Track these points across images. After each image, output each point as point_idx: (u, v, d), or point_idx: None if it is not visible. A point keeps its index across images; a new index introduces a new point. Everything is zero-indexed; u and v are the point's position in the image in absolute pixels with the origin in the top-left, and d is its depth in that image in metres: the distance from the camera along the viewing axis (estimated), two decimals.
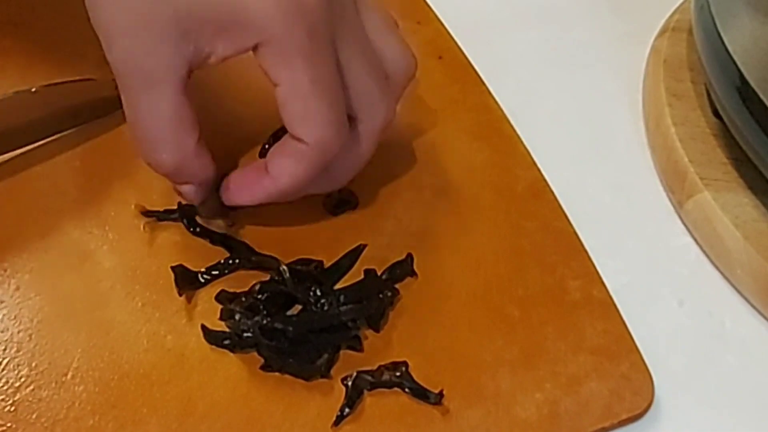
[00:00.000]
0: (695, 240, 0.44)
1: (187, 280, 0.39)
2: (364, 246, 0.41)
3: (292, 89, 0.36)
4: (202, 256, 0.41)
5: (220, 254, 0.41)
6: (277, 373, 0.37)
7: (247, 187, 0.39)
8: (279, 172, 0.38)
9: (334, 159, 0.38)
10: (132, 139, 0.37)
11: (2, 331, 0.38)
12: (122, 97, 0.37)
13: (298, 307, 0.39)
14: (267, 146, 0.44)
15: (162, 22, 0.34)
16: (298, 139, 0.36)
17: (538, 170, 0.45)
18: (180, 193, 0.41)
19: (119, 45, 0.35)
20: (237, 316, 0.38)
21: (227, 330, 0.38)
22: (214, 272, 0.40)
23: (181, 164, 0.37)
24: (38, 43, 0.48)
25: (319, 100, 0.36)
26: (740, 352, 0.41)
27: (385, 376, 0.37)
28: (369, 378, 0.37)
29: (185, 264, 0.40)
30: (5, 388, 0.36)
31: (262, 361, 0.37)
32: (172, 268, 0.39)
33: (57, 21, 0.49)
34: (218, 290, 0.39)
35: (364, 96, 0.38)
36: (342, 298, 0.38)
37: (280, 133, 0.41)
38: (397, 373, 0.37)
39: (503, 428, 0.36)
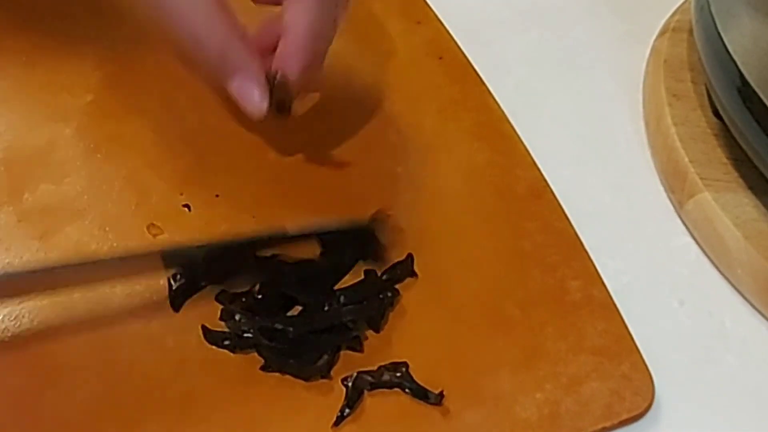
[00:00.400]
0: (695, 240, 0.44)
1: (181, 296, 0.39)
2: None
3: None
4: None
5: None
6: (277, 374, 0.37)
7: (286, 56, 0.40)
8: (294, 19, 0.39)
9: None
10: (176, 50, 0.40)
11: (2, 331, 0.38)
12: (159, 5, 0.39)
13: (299, 307, 0.39)
14: None
15: None
16: None
17: (539, 170, 0.45)
18: (244, 106, 0.40)
19: None
20: (237, 317, 0.38)
21: (227, 330, 0.38)
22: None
23: (228, 44, 0.39)
24: (38, 43, 0.48)
25: None
26: (740, 352, 0.41)
27: (386, 377, 0.37)
28: (369, 378, 0.37)
29: None
30: (6, 388, 0.36)
31: (263, 361, 0.37)
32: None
33: (57, 21, 0.49)
34: (218, 290, 0.39)
35: None
36: (342, 298, 0.38)
37: None
38: (398, 374, 0.37)
39: (504, 428, 0.36)
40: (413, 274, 0.41)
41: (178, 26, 0.39)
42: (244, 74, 0.39)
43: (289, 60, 0.40)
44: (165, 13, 0.39)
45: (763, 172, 0.41)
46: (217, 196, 0.43)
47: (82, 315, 0.39)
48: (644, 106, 0.49)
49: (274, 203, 0.43)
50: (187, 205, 0.42)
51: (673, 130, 0.45)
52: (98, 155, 0.44)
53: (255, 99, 0.40)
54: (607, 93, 0.50)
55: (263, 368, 0.37)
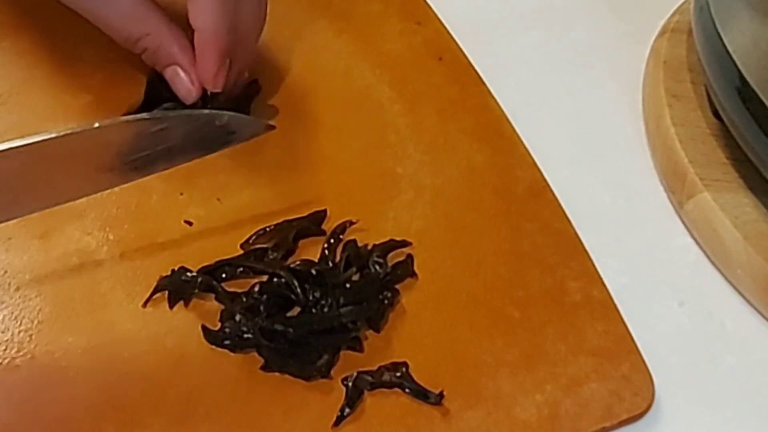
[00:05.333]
0: (695, 240, 0.44)
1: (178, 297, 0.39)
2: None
3: None
4: (202, 255, 0.41)
5: (220, 255, 0.41)
6: (277, 374, 0.37)
7: (201, 72, 0.43)
8: (199, 13, 0.41)
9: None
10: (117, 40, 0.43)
11: (2, 332, 0.38)
12: (85, 14, 0.43)
13: (299, 308, 0.39)
14: None
15: None
16: None
17: (539, 171, 0.45)
18: (177, 92, 0.43)
19: None
20: (237, 317, 0.38)
21: (227, 330, 0.38)
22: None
23: (160, 42, 0.43)
24: (38, 44, 0.48)
25: None
26: (740, 352, 0.41)
27: (386, 377, 0.37)
28: (369, 378, 0.37)
29: (186, 265, 0.40)
30: (6, 388, 0.36)
31: (263, 361, 0.37)
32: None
33: (57, 22, 0.49)
34: (218, 290, 0.39)
35: None
36: (342, 299, 0.38)
37: None
38: (398, 374, 0.37)
39: (503, 429, 0.36)
40: (413, 274, 0.41)
41: (111, 30, 0.43)
42: (175, 67, 0.43)
43: (205, 74, 0.43)
44: (97, 18, 0.43)
45: (763, 172, 0.41)
46: (218, 199, 0.43)
47: (82, 315, 0.39)
48: (644, 107, 0.49)
49: (273, 203, 0.43)
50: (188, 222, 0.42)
51: (672, 130, 0.45)
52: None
53: (185, 89, 0.43)
54: (607, 93, 0.50)
55: (263, 368, 0.37)
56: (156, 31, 0.43)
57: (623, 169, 0.47)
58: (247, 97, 0.46)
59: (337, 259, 0.41)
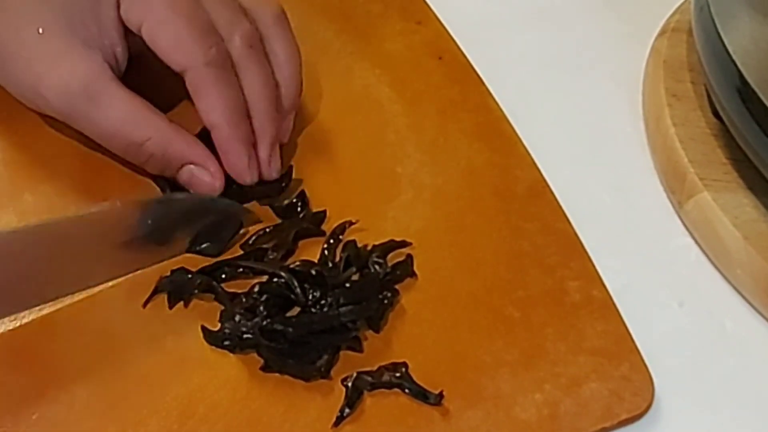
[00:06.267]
0: (695, 240, 0.44)
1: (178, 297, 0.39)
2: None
3: (154, 20, 0.39)
4: (201, 256, 0.41)
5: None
6: (277, 374, 0.37)
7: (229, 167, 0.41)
8: (210, 110, 0.40)
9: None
10: (117, 150, 0.41)
11: (2, 331, 0.38)
12: (78, 125, 0.40)
13: (298, 308, 0.39)
14: None
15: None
16: (186, 71, 0.40)
17: (538, 171, 0.45)
18: (199, 191, 0.41)
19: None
20: (237, 317, 0.38)
21: (227, 330, 0.38)
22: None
23: (167, 142, 0.40)
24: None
25: (180, 21, 0.39)
26: (740, 352, 0.41)
27: (385, 377, 0.37)
28: (369, 379, 0.37)
29: (185, 265, 0.40)
30: (6, 389, 0.36)
31: (262, 362, 0.37)
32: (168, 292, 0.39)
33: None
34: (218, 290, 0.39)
35: (221, 18, 0.41)
36: (341, 299, 0.38)
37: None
38: (397, 374, 0.37)
39: (503, 429, 0.36)
40: (413, 274, 0.41)
41: (109, 139, 0.41)
42: (189, 167, 0.41)
43: (236, 169, 0.41)
44: (93, 128, 0.40)
45: (763, 172, 0.41)
46: None
47: (82, 315, 0.39)
48: (644, 107, 0.49)
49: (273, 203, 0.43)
50: None
51: (672, 130, 0.45)
52: (99, 156, 0.43)
53: (207, 186, 0.41)
54: (607, 93, 0.50)
55: (263, 368, 0.37)
56: (160, 132, 0.40)
57: (623, 169, 0.47)
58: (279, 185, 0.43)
59: (337, 259, 0.41)
